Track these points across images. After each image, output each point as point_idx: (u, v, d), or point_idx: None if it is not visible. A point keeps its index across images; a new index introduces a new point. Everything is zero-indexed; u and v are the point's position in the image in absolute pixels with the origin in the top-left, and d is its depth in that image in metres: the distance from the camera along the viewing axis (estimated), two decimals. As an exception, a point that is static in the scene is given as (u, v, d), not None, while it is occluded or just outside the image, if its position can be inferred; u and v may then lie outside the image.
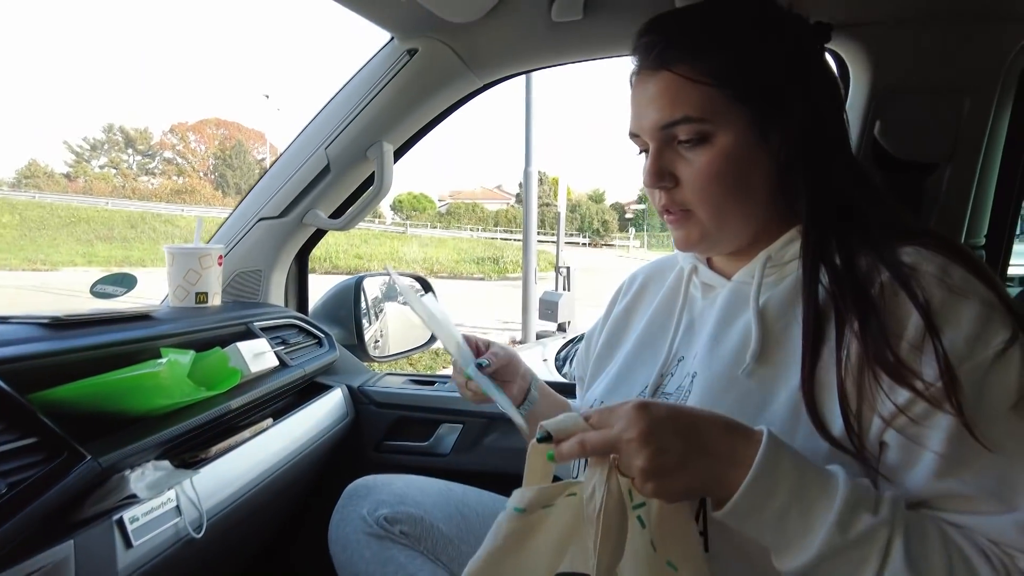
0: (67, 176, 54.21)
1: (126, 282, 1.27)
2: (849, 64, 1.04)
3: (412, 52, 1.15)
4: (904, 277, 0.60)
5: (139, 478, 0.80)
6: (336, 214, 1.36)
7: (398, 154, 1.32)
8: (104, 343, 0.85)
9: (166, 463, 0.86)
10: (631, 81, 0.74)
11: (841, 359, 0.60)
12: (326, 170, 1.28)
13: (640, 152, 0.75)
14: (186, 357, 0.86)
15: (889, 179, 1.02)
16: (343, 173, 1.29)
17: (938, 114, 0.98)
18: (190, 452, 0.93)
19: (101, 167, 58.51)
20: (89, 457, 0.69)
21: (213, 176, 61.04)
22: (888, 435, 0.59)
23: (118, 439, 0.76)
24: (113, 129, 60.70)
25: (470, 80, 1.22)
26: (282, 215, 1.33)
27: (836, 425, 0.59)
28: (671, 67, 0.67)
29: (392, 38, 1.17)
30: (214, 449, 0.97)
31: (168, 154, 62.34)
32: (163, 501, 0.81)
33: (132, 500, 0.77)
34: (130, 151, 60.82)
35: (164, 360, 0.84)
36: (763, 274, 0.71)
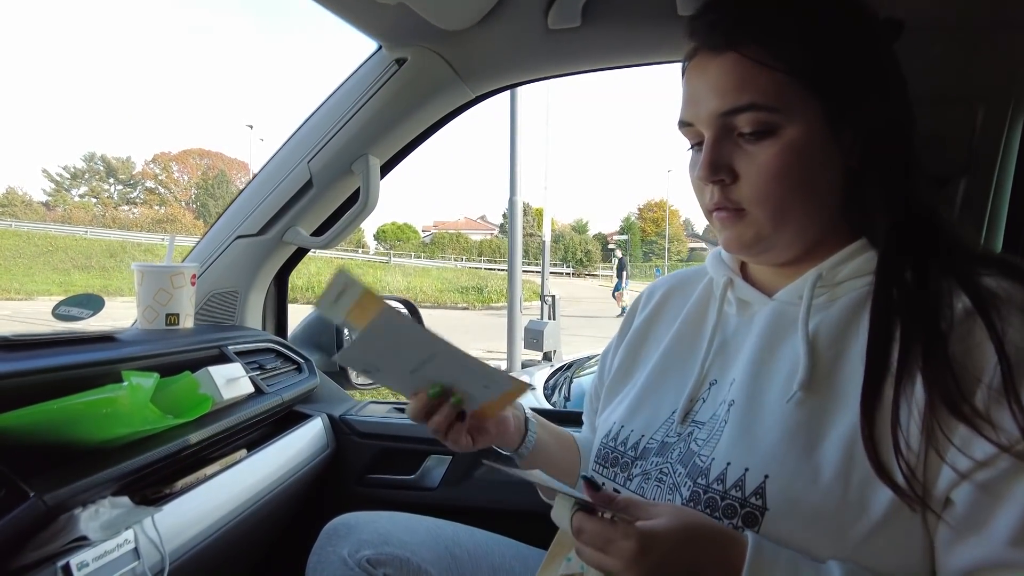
0: (46, 205, 53.52)
1: (92, 304, 1.18)
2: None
3: (401, 61, 1.10)
4: (985, 306, 0.53)
5: (92, 517, 0.71)
6: (318, 232, 1.29)
7: (385, 169, 1.26)
8: (58, 366, 0.76)
9: (125, 499, 0.77)
10: (684, 66, 0.68)
11: (900, 397, 0.54)
12: (308, 185, 1.21)
13: (691, 147, 0.68)
14: (149, 381, 0.78)
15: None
16: (326, 188, 1.22)
17: (952, 125, 0.95)
18: (153, 487, 0.85)
19: (81, 196, 57.86)
20: (32, 495, 0.61)
21: (195, 205, 60.71)
22: (956, 492, 0.52)
23: (69, 473, 0.68)
24: (94, 158, 60.20)
25: (462, 91, 1.17)
26: (261, 232, 1.25)
27: (899, 470, 0.53)
28: (740, 48, 0.60)
29: (380, 47, 1.11)
30: (180, 483, 0.88)
31: (150, 184, 61.86)
32: (119, 543, 0.72)
33: (82, 543, 0.68)
34: (111, 180, 60.28)
35: (123, 384, 0.76)
36: (813, 295, 0.64)
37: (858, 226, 0.65)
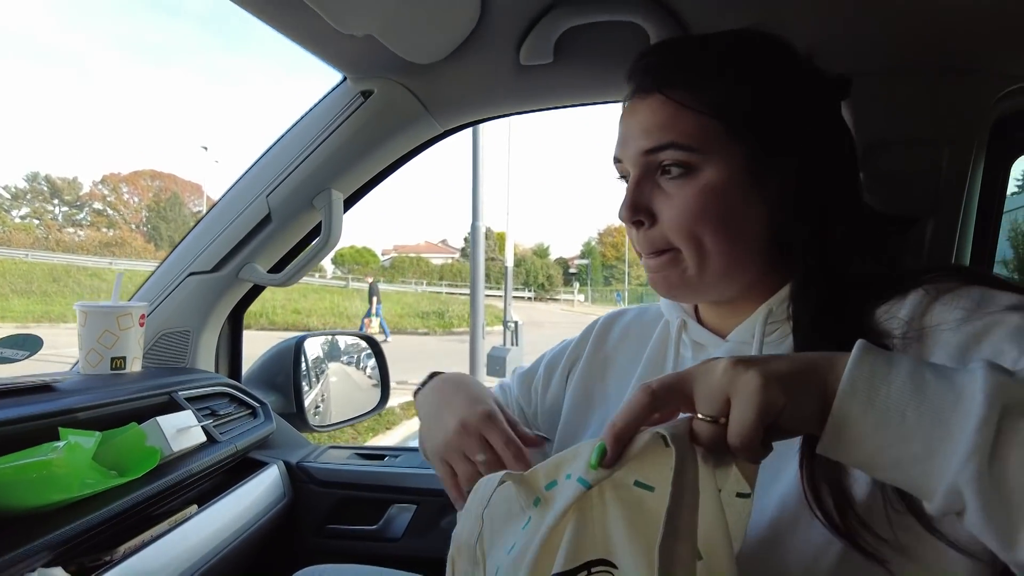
0: (-17, 227, 51.38)
1: (28, 344, 1.10)
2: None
3: (367, 94, 1.06)
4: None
5: (20, 595, 0.64)
6: (276, 269, 1.23)
7: (348, 203, 1.21)
8: (-14, 423, 0.69)
9: (58, 571, 0.69)
10: (624, 108, 0.69)
11: None
12: (267, 220, 1.15)
13: (619, 177, 0.69)
14: (90, 441, 0.71)
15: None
16: (286, 224, 1.16)
17: (920, 166, 0.96)
18: (90, 555, 0.77)
19: (22, 217, 55.69)
20: (-52, 573, 0.54)
21: (146, 228, 59.04)
22: None
23: (-7, 545, 0.61)
24: (38, 178, 58.19)
25: (430, 125, 1.13)
26: (215, 269, 1.19)
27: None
28: (665, 90, 0.62)
29: (345, 78, 1.07)
30: (123, 548, 0.80)
31: (98, 205, 60.01)
32: (50, 622, 0.65)
33: (8, 626, 0.61)
34: (56, 201, 58.25)
35: (60, 444, 0.69)
36: (764, 332, 0.63)
37: (790, 265, 0.64)
